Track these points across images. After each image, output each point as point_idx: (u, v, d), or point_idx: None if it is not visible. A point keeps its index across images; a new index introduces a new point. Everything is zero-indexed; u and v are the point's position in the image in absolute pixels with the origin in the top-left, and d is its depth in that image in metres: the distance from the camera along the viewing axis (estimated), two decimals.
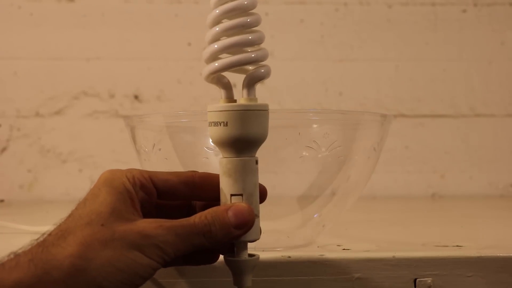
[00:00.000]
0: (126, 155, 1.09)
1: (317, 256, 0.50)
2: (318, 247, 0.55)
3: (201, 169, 0.45)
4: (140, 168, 0.44)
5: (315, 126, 0.51)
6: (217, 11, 0.41)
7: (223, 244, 0.42)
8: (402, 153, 1.15)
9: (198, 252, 0.41)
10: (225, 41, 0.41)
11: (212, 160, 0.50)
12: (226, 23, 0.41)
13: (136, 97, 1.12)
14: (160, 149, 0.53)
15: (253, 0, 0.41)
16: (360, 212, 0.84)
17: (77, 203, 0.41)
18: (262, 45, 0.42)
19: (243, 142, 0.41)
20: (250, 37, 0.41)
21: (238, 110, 0.41)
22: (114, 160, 1.10)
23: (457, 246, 0.55)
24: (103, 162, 1.11)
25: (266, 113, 0.42)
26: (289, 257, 0.50)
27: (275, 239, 0.45)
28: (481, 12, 1.17)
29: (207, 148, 0.50)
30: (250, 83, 0.42)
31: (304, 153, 0.50)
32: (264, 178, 0.51)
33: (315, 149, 0.50)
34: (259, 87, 0.43)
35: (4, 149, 1.10)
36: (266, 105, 0.42)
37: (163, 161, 0.53)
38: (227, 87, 0.43)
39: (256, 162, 0.42)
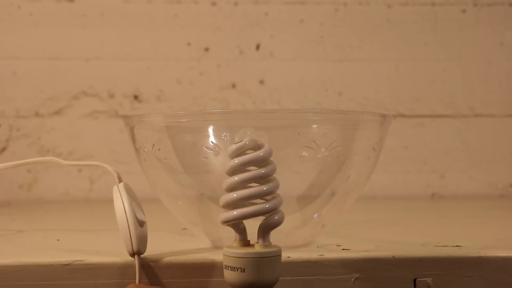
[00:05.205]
0: (126, 155, 1.10)
1: (317, 256, 0.50)
2: (317, 247, 0.55)
3: (200, 169, 0.45)
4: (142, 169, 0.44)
5: (314, 126, 0.51)
6: (236, 162, 0.44)
7: None
8: (401, 153, 1.16)
9: None
10: (242, 192, 0.44)
11: (212, 160, 0.50)
12: (244, 175, 0.44)
13: (135, 97, 1.12)
14: (159, 149, 0.53)
15: (269, 151, 0.45)
16: (360, 212, 0.84)
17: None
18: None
19: (259, 286, 0.44)
20: (265, 188, 0.44)
21: (255, 258, 0.44)
22: (114, 160, 1.10)
23: (457, 246, 0.55)
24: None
25: (279, 257, 0.45)
26: (289, 257, 0.50)
27: (274, 239, 0.45)
28: (481, 12, 1.17)
29: (206, 148, 0.50)
30: (265, 230, 0.45)
31: (303, 153, 0.50)
32: None
33: (314, 149, 0.50)
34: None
35: (3, 149, 1.10)
36: (280, 249, 0.45)
37: (163, 161, 0.53)
38: (242, 231, 0.46)
39: None
